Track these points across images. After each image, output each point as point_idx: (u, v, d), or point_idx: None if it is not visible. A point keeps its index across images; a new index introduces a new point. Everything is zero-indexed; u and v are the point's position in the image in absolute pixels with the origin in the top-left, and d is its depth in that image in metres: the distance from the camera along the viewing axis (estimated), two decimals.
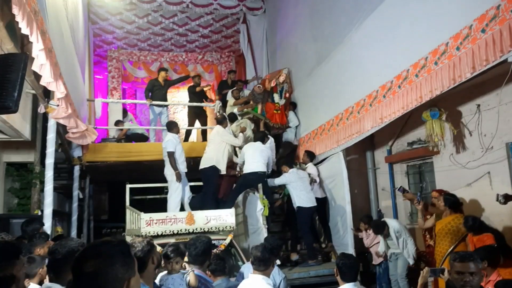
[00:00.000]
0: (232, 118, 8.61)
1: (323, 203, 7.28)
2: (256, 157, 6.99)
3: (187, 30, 11.72)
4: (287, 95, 9.07)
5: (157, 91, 9.43)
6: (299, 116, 8.96)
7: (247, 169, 6.99)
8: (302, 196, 6.70)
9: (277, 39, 10.44)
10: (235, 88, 9.64)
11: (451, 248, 4.95)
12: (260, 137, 7.48)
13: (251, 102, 8.90)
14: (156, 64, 12.57)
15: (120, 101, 10.77)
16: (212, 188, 7.20)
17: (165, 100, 9.59)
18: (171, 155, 6.80)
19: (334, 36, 7.18)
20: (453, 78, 4.50)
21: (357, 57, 6.44)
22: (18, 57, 3.29)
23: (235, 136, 7.85)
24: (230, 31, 12.03)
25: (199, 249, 3.41)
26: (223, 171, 7.32)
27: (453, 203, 5.18)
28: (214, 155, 7.21)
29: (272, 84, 9.05)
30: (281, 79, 8.99)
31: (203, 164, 7.21)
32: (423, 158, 6.76)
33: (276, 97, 8.99)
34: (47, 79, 3.91)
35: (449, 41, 4.59)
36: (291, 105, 9.18)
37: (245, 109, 8.90)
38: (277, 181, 7.01)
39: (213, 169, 7.16)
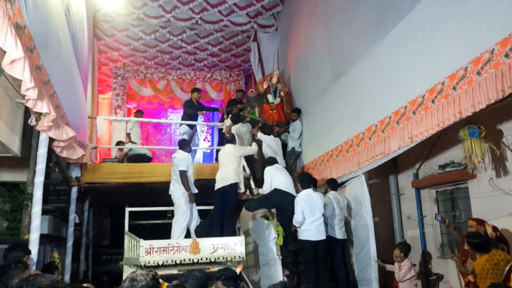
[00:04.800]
0: (236, 120, 8.41)
1: (341, 245, 6.33)
2: (288, 179, 6.51)
3: (195, 48, 11.33)
4: (281, 93, 9.26)
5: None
6: (311, 137, 8.39)
7: (278, 185, 6.38)
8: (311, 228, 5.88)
9: (289, 57, 9.99)
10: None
11: None
12: (271, 160, 7.01)
13: (248, 108, 9.10)
14: (163, 82, 12.15)
15: (124, 119, 10.27)
16: (232, 208, 6.53)
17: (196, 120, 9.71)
18: (183, 174, 6.21)
19: (354, 50, 6.67)
20: (502, 89, 3.91)
21: (381, 71, 5.89)
22: None
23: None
24: (240, 49, 11.67)
25: (192, 287, 2.78)
26: (242, 191, 6.78)
27: (479, 245, 4.47)
28: (234, 174, 6.58)
29: (265, 86, 9.33)
30: (274, 80, 9.28)
31: (222, 183, 6.51)
32: (456, 182, 6.08)
33: (270, 97, 9.21)
34: (27, 85, 3.36)
35: (494, 47, 4.03)
36: (296, 112, 8.84)
37: (244, 113, 8.92)
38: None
39: (236, 187, 6.55)
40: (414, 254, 6.54)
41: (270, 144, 7.88)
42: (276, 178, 6.49)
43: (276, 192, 6.35)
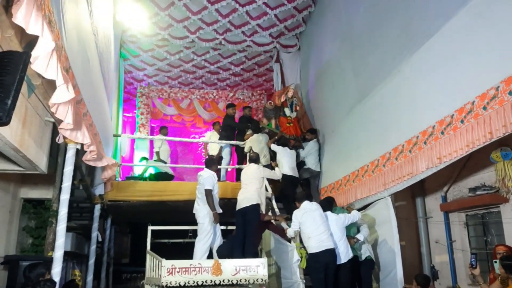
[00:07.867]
0: (256, 129, 8.44)
1: (367, 265, 6.11)
2: (320, 228, 5.69)
3: (218, 68, 11.44)
4: (297, 108, 9.62)
5: None
6: (337, 157, 8.25)
7: (312, 246, 5.62)
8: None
9: (312, 77, 9.95)
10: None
11: None
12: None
13: (264, 120, 9.31)
14: (186, 101, 12.30)
15: (148, 137, 10.38)
16: (254, 229, 6.34)
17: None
18: (209, 193, 6.11)
19: (380, 69, 6.59)
20: None
21: (408, 91, 5.79)
22: (16, 56, 2.71)
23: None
24: (262, 69, 11.70)
25: None
26: (263, 212, 6.64)
27: None
28: (256, 195, 6.46)
29: (282, 99, 9.55)
30: (290, 94, 9.55)
31: (244, 203, 6.39)
32: (487, 206, 5.85)
33: (287, 111, 9.45)
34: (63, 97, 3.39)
35: None
36: (310, 132, 8.83)
37: (261, 125, 9.02)
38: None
39: (257, 207, 6.39)
40: (443, 280, 6.29)
41: (284, 155, 7.91)
42: (307, 231, 5.76)
43: (315, 258, 5.61)
